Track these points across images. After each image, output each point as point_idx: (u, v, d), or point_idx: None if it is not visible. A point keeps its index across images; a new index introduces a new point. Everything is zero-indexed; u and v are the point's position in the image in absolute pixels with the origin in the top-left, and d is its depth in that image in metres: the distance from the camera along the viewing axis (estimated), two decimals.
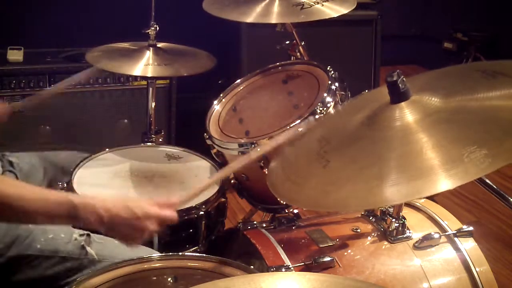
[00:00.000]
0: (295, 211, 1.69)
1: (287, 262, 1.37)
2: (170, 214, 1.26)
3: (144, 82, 2.41)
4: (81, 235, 1.43)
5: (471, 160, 0.85)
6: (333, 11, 1.81)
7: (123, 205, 1.22)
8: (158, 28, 2.12)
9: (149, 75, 2.06)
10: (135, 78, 2.81)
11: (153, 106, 2.19)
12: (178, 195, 1.33)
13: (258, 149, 1.53)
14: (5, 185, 1.15)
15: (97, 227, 1.22)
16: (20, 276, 1.37)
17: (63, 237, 1.41)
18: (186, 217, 1.63)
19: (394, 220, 1.47)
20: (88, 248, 1.40)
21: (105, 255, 1.41)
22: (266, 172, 1.58)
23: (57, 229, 1.43)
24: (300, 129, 1.45)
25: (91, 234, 1.44)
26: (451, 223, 1.52)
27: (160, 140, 2.15)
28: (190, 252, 1.62)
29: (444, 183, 0.86)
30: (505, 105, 0.96)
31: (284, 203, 1.66)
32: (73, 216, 1.17)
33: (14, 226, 1.37)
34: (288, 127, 1.57)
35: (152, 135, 2.16)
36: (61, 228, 1.44)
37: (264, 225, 1.57)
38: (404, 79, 1.06)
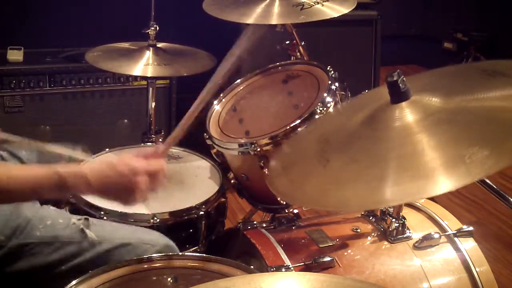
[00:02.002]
0: (295, 211, 1.69)
1: (287, 262, 1.37)
2: (158, 163, 1.26)
3: (144, 82, 2.41)
4: (79, 219, 1.43)
5: (473, 161, 0.85)
6: (333, 11, 1.81)
7: (109, 166, 1.22)
8: (158, 28, 2.12)
9: (149, 75, 2.07)
10: (135, 78, 2.81)
11: (153, 106, 2.19)
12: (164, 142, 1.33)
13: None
14: None
15: (89, 193, 1.24)
16: (22, 265, 1.38)
17: (62, 222, 1.42)
18: (186, 217, 1.63)
19: (394, 220, 1.47)
20: (87, 231, 1.41)
21: (105, 236, 1.42)
22: (266, 172, 1.58)
23: (55, 215, 1.44)
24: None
25: (90, 218, 1.45)
26: (451, 223, 1.52)
27: (160, 140, 2.16)
28: (190, 252, 1.63)
29: (446, 184, 0.85)
30: (506, 106, 0.96)
31: (284, 203, 1.66)
32: (62, 186, 1.18)
33: (14, 217, 1.38)
34: (288, 127, 1.57)
35: (152, 135, 2.16)
36: (59, 214, 1.46)
37: (264, 225, 1.57)
38: (404, 79, 1.06)
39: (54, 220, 1.42)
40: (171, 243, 1.49)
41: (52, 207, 1.49)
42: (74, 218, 1.44)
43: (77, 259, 1.38)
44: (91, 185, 1.20)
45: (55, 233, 1.40)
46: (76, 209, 1.60)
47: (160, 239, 1.48)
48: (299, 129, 1.57)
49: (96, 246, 1.40)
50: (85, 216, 1.45)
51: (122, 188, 1.22)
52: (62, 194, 1.31)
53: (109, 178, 1.21)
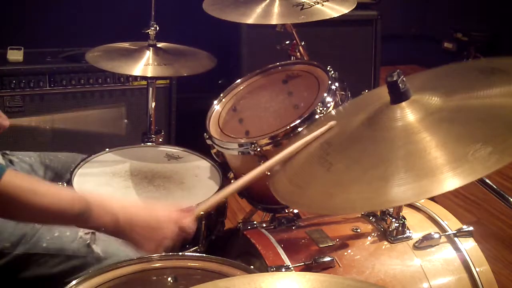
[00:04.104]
0: (295, 211, 1.69)
1: (287, 262, 1.37)
2: (190, 221, 1.24)
3: (144, 82, 2.41)
4: (86, 233, 1.43)
5: (477, 158, 0.85)
6: (333, 11, 1.81)
7: (144, 206, 1.20)
8: (158, 28, 2.12)
9: (149, 75, 2.06)
10: (135, 78, 2.81)
11: (153, 106, 2.19)
12: (196, 205, 1.30)
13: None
14: (18, 178, 1.08)
15: (112, 228, 1.16)
16: (26, 274, 1.38)
17: (69, 235, 1.42)
18: None
19: (394, 220, 1.47)
20: (93, 246, 1.41)
21: (111, 253, 1.42)
22: (267, 172, 1.58)
23: (63, 228, 1.44)
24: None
25: (96, 233, 1.44)
26: (451, 223, 1.52)
27: (160, 140, 2.16)
28: (190, 252, 1.62)
29: (451, 182, 0.85)
30: (506, 103, 0.96)
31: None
32: (86, 215, 1.12)
33: (21, 225, 1.38)
34: (288, 127, 1.57)
35: (152, 135, 2.16)
36: (66, 227, 1.45)
37: (264, 225, 1.56)
38: (404, 79, 1.06)
39: (61, 232, 1.42)
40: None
41: None
42: (81, 232, 1.43)
43: (82, 273, 1.36)
44: (118, 221, 1.14)
45: (61, 246, 1.40)
46: None
47: None
48: (299, 129, 1.57)
49: (101, 261, 1.40)
50: (92, 231, 1.43)
51: (149, 233, 1.18)
52: (84, 224, 1.18)
53: (141, 219, 1.17)
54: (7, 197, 1.05)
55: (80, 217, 1.12)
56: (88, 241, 1.41)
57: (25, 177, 1.19)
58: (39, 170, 1.79)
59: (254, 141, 1.61)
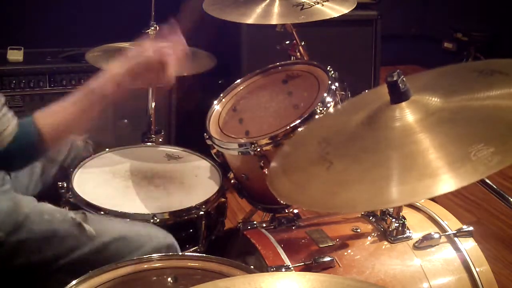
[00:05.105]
0: (295, 211, 1.69)
1: (287, 262, 1.37)
2: (173, 36, 1.48)
3: None
4: (76, 213, 1.44)
5: (479, 158, 0.85)
6: (333, 11, 1.81)
7: (127, 51, 1.44)
8: (158, 28, 2.12)
9: None
10: None
11: (153, 106, 2.20)
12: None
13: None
14: (43, 116, 1.40)
15: (119, 82, 1.37)
16: (22, 260, 1.38)
17: (59, 217, 1.43)
18: (186, 217, 1.63)
19: (394, 220, 1.47)
20: (85, 225, 1.41)
21: (103, 230, 1.42)
22: (266, 172, 1.58)
23: (53, 210, 1.45)
24: None
25: (87, 212, 1.46)
26: (451, 223, 1.52)
27: (160, 140, 2.16)
28: (190, 252, 1.63)
29: (453, 182, 0.85)
30: (506, 104, 0.96)
31: (284, 203, 1.66)
32: (96, 94, 1.35)
33: (13, 213, 1.39)
34: (288, 127, 1.57)
35: (152, 135, 2.16)
36: (56, 209, 1.47)
37: (264, 225, 1.57)
38: (404, 79, 1.06)
39: (51, 215, 1.43)
40: (170, 236, 1.49)
41: (49, 204, 1.50)
42: (72, 213, 1.44)
43: (75, 253, 1.39)
44: (120, 81, 1.36)
45: (53, 228, 1.40)
46: (75, 209, 1.60)
47: (159, 232, 1.49)
48: (299, 129, 1.57)
49: (94, 239, 1.41)
50: (82, 211, 1.46)
51: (150, 64, 1.38)
52: (102, 98, 1.39)
53: (134, 59, 1.39)
54: (53, 134, 1.35)
55: (94, 99, 1.36)
56: (79, 221, 1.41)
57: (47, 111, 1.44)
58: (36, 165, 1.77)
59: (254, 141, 1.61)
